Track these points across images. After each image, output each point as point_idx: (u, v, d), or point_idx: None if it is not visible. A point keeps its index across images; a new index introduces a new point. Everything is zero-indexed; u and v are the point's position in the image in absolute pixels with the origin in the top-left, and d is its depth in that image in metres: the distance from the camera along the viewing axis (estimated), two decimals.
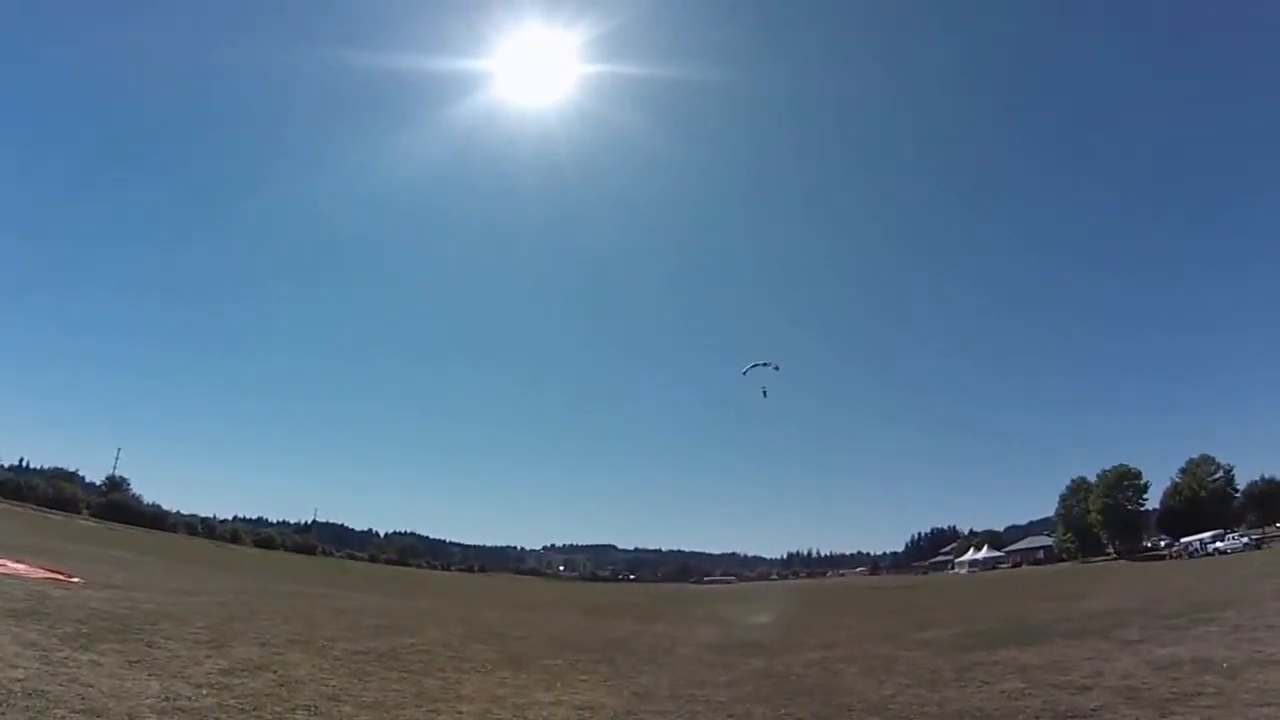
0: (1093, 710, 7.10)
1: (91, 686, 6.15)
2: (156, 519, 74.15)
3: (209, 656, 8.53)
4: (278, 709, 6.50)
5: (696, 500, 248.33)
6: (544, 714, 7.59)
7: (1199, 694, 7.37)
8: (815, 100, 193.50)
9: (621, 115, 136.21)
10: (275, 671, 8.23)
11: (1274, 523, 66.49)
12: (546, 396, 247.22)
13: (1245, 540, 53.88)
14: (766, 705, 8.30)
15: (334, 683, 8.14)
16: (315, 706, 6.83)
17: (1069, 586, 32.70)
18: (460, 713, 7.36)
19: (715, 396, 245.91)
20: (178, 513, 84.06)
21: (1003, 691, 8.48)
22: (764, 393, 39.42)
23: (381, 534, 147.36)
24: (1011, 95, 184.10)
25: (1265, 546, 50.92)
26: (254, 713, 6.24)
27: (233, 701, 6.49)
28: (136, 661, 7.55)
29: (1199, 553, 54.22)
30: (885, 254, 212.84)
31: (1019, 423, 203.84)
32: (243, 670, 8.01)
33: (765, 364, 39.18)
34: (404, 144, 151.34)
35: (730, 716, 7.68)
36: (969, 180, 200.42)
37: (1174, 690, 7.65)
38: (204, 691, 6.71)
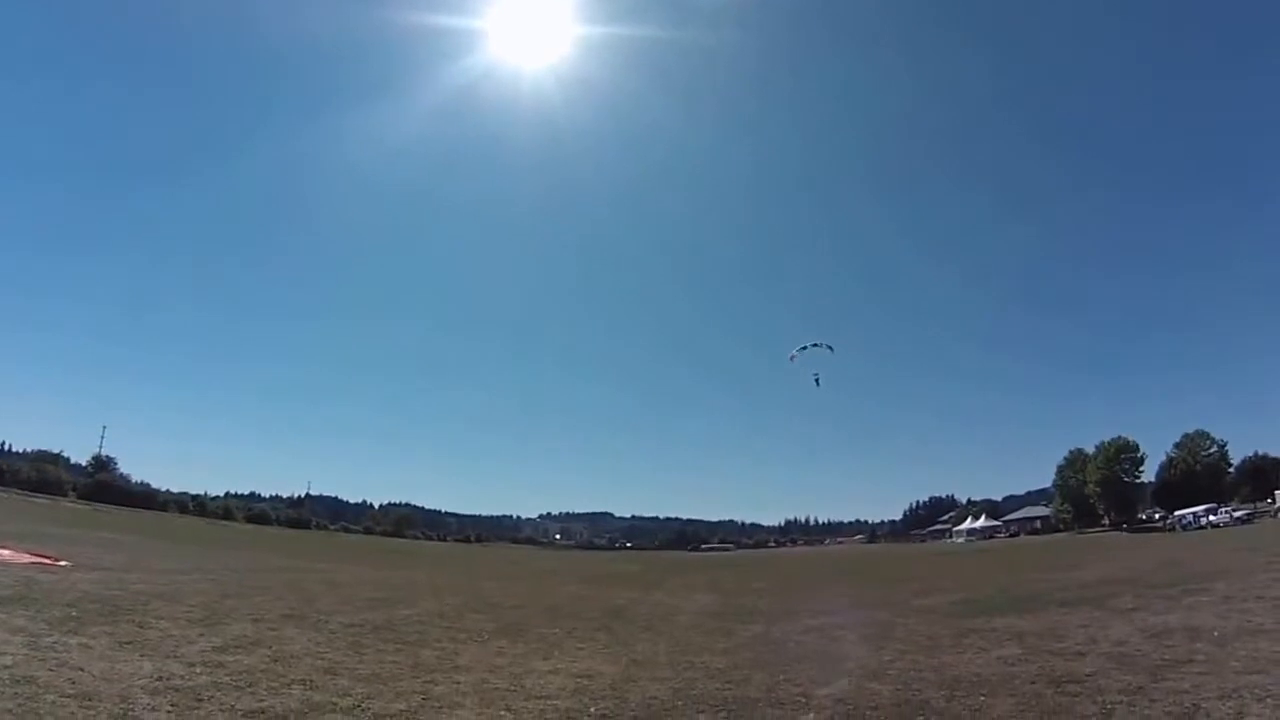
0: (1087, 675, 7.35)
1: (82, 670, 6.21)
2: (146, 498, 74.87)
3: (202, 635, 8.58)
4: (273, 684, 6.57)
5: (694, 468, 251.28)
6: (541, 682, 7.78)
7: (1190, 661, 7.64)
8: (822, 67, 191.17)
9: (620, 79, 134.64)
10: (270, 647, 8.30)
11: (1265, 498, 67.84)
12: (542, 365, 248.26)
13: (1237, 514, 55.02)
14: (764, 671, 8.56)
15: (330, 656, 8.23)
16: (311, 680, 6.91)
17: (1065, 556, 33.34)
18: (458, 683, 7.50)
19: (713, 365, 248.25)
20: (167, 491, 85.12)
21: (999, 657, 8.76)
22: (816, 380, 37.81)
23: (376, 506, 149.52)
24: (1023, 92, 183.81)
25: (1256, 520, 52.05)
26: (249, 689, 6.29)
27: (227, 679, 6.56)
28: (127, 643, 7.58)
29: (1192, 526, 55.33)
30: (887, 230, 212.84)
31: (1017, 395, 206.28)
32: (237, 647, 8.07)
33: (817, 345, 37.34)
34: (393, 106, 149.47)
35: (728, 683, 7.91)
36: (973, 162, 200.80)
37: (1165, 657, 7.92)
38: (197, 670, 6.78)
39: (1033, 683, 7.26)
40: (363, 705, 6.23)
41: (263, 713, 5.68)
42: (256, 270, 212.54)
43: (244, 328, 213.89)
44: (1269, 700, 5.94)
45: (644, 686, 7.71)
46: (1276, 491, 63.73)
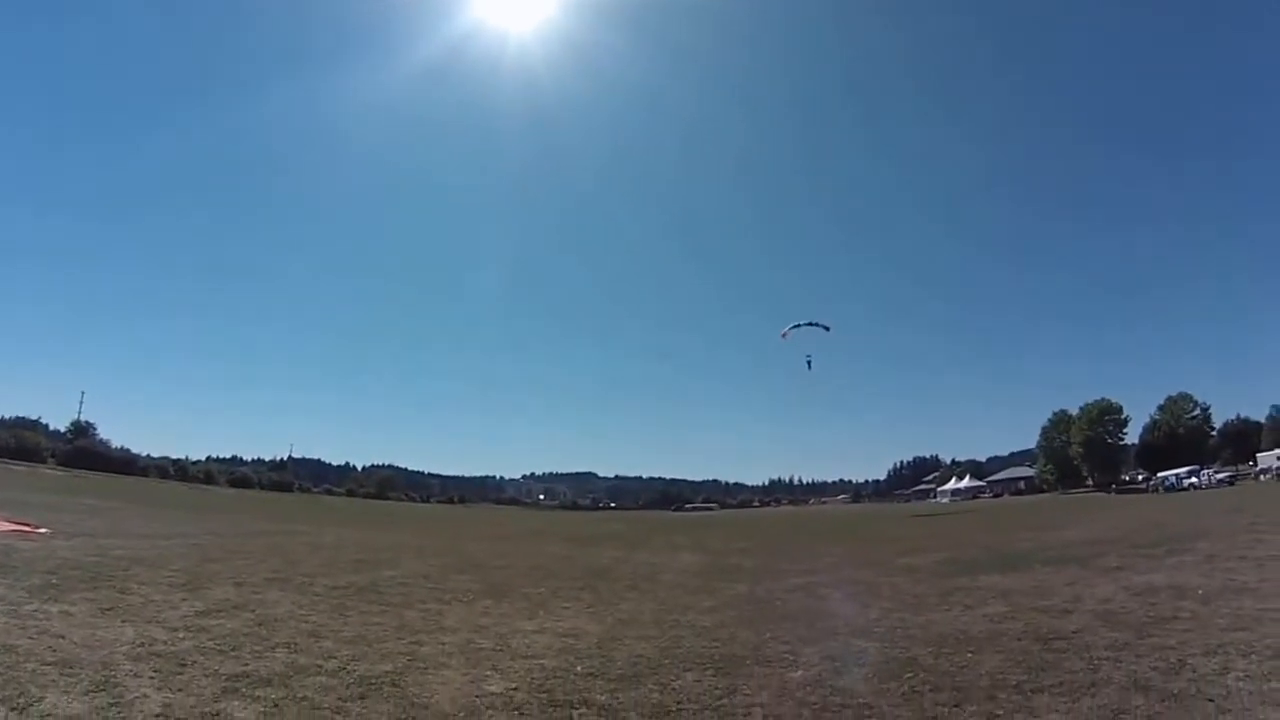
0: (1073, 632, 7.53)
1: (63, 638, 6.20)
2: (126, 464, 74.21)
3: (184, 599, 8.64)
4: (257, 648, 6.62)
5: (678, 427, 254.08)
6: (527, 642, 7.86)
7: (1175, 618, 7.83)
8: (812, 21, 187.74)
9: (607, 39, 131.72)
10: (253, 611, 8.39)
11: (1247, 460, 69.82)
12: (526, 325, 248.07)
13: (1219, 476, 56.50)
14: (750, 629, 8.70)
15: (314, 619, 8.30)
16: (295, 643, 6.96)
17: (1049, 517, 34.16)
18: (443, 644, 7.58)
19: (696, 324, 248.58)
20: (148, 456, 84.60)
21: (985, 615, 8.95)
22: (808, 363, 36.95)
23: (359, 468, 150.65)
24: (1016, 48, 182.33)
25: (1238, 483, 53.49)
26: (232, 653, 6.34)
27: (210, 643, 6.61)
28: (109, 609, 7.62)
29: (1175, 487, 56.81)
30: (875, 186, 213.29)
31: (1002, 356, 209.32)
32: (219, 611, 8.13)
33: (812, 324, 36.22)
34: (374, 64, 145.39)
35: (714, 641, 8.03)
36: (964, 118, 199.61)
37: (1151, 614, 8.12)
38: (180, 635, 6.82)
39: (1019, 639, 7.42)
40: (348, 667, 6.27)
41: (247, 676, 5.71)
42: (231, 229, 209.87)
43: (223, 289, 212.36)
44: (1253, 656, 6.10)
45: (630, 645, 7.80)
46: (1258, 454, 65.53)
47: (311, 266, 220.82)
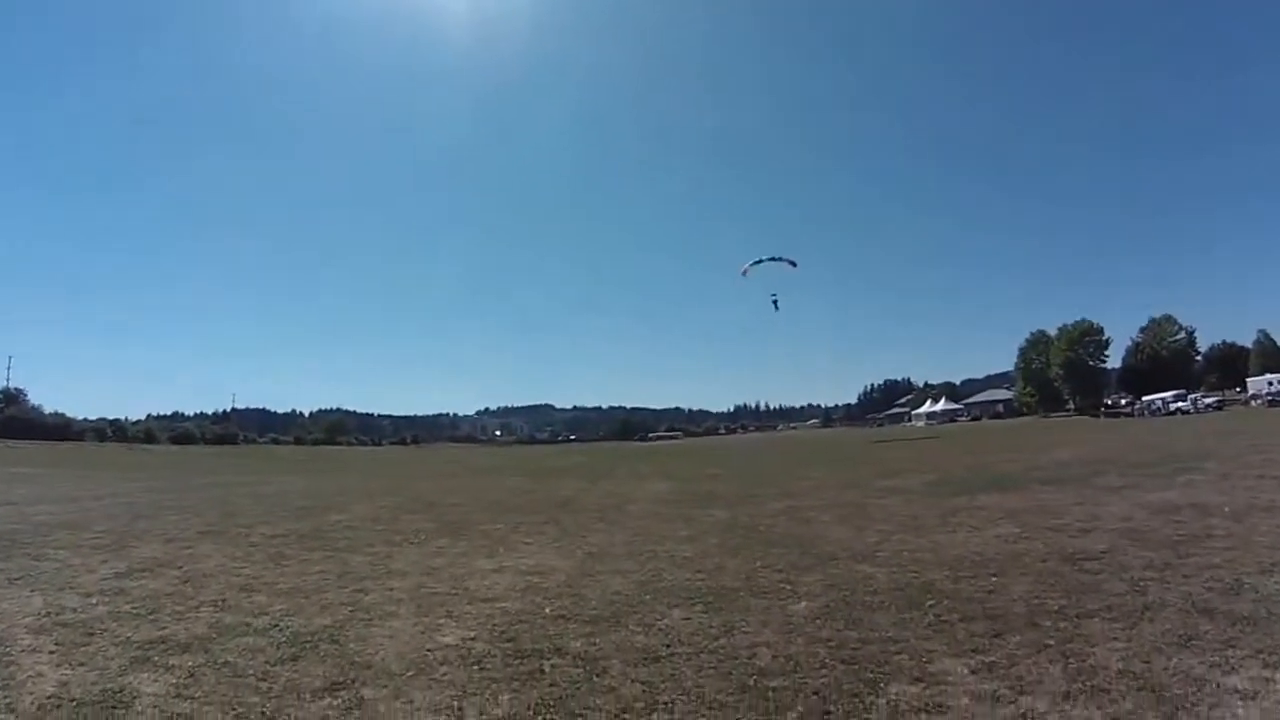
0: (1101, 552, 7.13)
1: None
2: (61, 429, 74.15)
3: (105, 562, 8.54)
4: (179, 609, 6.35)
5: (636, 353, 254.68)
6: (486, 584, 7.33)
7: (1209, 536, 7.51)
8: None
9: None
10: (180, 568, 8.22)
11: (1234, 386, 71.81)
12: (473, 250, 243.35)
13: (1207, 401, 57.97)
14: (738, 558, 8.17)
15: (247, 571, 8.07)
16: (223, 601, 6.68)
17: (1035, 439, 34.79)
18: (390, 590, 7.13)
19: (655, 247, 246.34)
20: (84, 420, 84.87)
21: (997, 536, 8.57)
22: (775, 303, 35.86)
23: (307, 414, 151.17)
24: None
25: (1226, 408, 54.97)
26: (149, 617, 6.07)
27: (127, 607, 6.38)
28: (18, 578, 7.51)
29: (1161, 412, 58.38)
30: (845, 101, 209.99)
31: (977, 272, 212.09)
32: (143, 571, 7.98)
33: (776, 259, 34.95)
34: None
35: (699, 572, 7.48)
36: (939, 33, 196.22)
37: (1181, 533, 7.80)
38: (94, 600, 6.63)
39: (1044, 561, 7.00)
40: (280, 624, 5.89)
41: (162, 642, 5.36)
42: (161, 174, 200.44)
43: (151, 238, 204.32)
44: None
45: (603, 581, 7.22)
46: (1248, 379, 67.32)
47: (245, 208, 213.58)
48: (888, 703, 3.85)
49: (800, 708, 3.85)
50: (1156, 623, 4.83)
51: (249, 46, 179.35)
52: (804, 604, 5.95)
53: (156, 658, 5.00)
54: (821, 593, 6.31)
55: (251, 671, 4.73)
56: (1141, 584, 5.79)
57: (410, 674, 4.64)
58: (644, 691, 4.16)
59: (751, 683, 4.23)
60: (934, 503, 12.22)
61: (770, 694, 4.04)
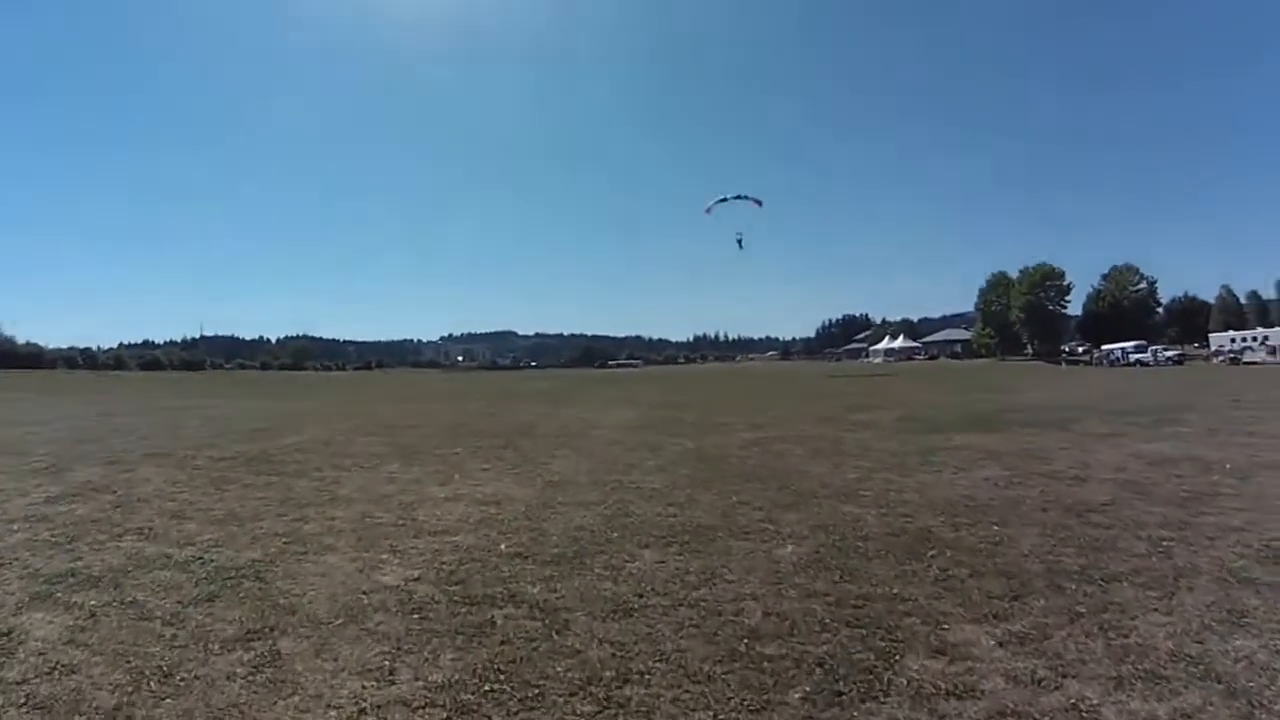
0: (1104, 505, 6.69)
1: None
2: (33, 358, 74.90)
3: (39, 486, 8.21)
4: (100, 538, 5.92)
5: (598, 281, 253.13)
6: (437, 513, 6.71)
7: (1217, 494, 7.12)
8: None
9: None
10: (115, 492, 7.85)
11: (1193, 341, 73.00)
12: (437, 175, 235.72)
13: (1168, 354, 58.78)
14: (711, 491, 7.61)
15: (184, 497, 7.64)
16: (150, 529, 6.23)
17: (999, 380, 35.11)
18: (333, 519, 6.52)
19: (616, 176, 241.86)
20: (56, 349, 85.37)
21: (986, 478, 8.14)
22: (739, 242, 35.26)
23: (273, 340, 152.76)
24: None
25: (1186, 363, 55.81)
26: (67, 546, 5.66)
27: (46, 535, 6.02)
28: None
29: (1120, 362, 59.05)
30: (803, 44, 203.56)
31: (936, 207, 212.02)
32: (74, 496, 7.62)
33: (741, 197, 34.04)
34: None
35: (670, 506, 6.89)
36: None
37: (1185, 488, 7.41)
38: (15, 528, 6.25)
39: (1044, 510, 6.54)
40: (204, 556, 5.42)
41: (72, 575, 4.91)
42: (119, 100, 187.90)
43: (116, 164, 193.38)
44: None
45: (565, 514, 6.59)
46: (1210, 335, 68.37)
47: (210, 131, 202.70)
48: (908, 682, 3.25)
49: (806, 685, 3.23)
50: (1195, 593, 4.32)
51: None
52: (790, 548, 5.36)
53: (60, 594, 4.53)
54: (808, 534, 5.74)
55: (159, 614, 4.14)
56: (1163, 545, 5.31)
57: (339, 622, 3.96)
58: (613, 656, 3.52)
59: (742, 648, 3.61)
60: (908, 439, 11.85)
61: (766, 664, 3.43)
